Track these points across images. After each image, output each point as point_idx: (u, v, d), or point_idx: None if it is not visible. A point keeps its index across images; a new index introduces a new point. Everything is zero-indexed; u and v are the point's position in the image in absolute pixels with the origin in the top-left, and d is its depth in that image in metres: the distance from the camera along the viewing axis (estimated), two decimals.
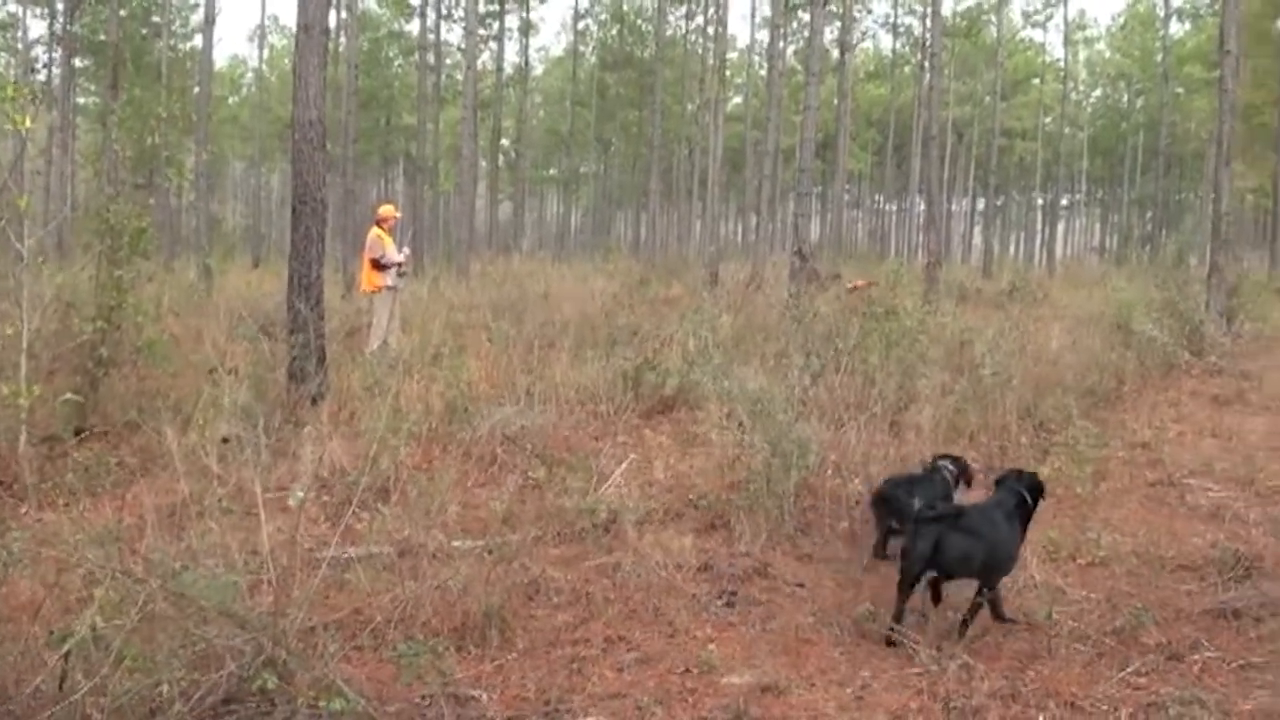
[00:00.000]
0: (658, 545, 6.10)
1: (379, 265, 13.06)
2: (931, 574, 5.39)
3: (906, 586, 5.31)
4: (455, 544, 6.12)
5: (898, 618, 5.23)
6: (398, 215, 13.91)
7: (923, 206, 32.29)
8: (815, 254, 21.95)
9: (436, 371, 10.53)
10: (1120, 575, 6.17)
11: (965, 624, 5.31)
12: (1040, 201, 65.57)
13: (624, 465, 7.67)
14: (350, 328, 16.00)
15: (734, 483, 7.16)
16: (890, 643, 5.09)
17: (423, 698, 4.39)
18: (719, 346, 11.11)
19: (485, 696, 4.50)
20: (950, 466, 6.89)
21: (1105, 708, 4.51)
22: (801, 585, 5.92)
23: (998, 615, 5.45)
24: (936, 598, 5.58)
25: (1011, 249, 69.42)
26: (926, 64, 35.60)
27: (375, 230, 13.31)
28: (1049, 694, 4.60)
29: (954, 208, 64.17)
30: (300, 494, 4.84)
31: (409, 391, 9.64)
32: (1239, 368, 14.04)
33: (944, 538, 5.23)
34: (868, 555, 6.44)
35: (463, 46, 43.71)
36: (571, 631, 5.20)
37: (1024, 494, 5.64)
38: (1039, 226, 63.10)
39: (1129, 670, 4.88)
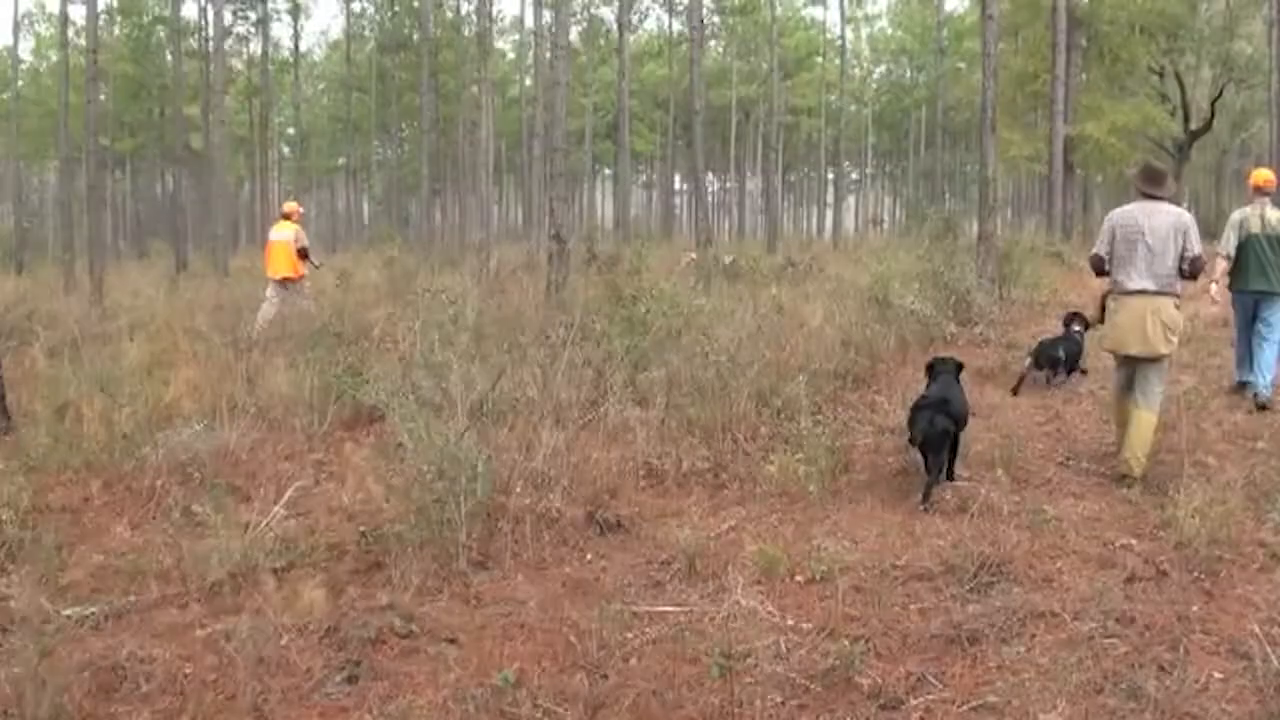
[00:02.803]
0: (288, 602, 4.92)
1: (305, 254, 15.72)
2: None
3: (915, 449, 7.19)
4: (67, 613, 4.91)
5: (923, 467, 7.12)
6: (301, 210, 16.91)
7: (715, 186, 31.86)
8: (596, 237, 21.16)
9: (139, 388, 9.21)
10: (843, 593, 5.25)
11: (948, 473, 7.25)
12: (830, 176, 66.50)
13: (288, 494, 6.46)
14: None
15: (405, 511, 6.02)
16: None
17: None
18: (449, 343, 10.04)
19: None
20: (1079, 328, 10.30)
21: None
22: (453, 641, 4.74)
23: (951, 475, 7.28)
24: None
25: (805, 224, 70.36)
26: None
27: (295, 225, 15.91)
28: None
29: (746, 186, 64.50)
30: None
31: (90, 413, 8.31)
32: (1006, 338, 13.58)
33: (933, 418, 7.00)
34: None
35: (238, 31, 41.80)
36: None
37: (956, 375, 7.97)
38: (828, 201, 64.03)
39: None
